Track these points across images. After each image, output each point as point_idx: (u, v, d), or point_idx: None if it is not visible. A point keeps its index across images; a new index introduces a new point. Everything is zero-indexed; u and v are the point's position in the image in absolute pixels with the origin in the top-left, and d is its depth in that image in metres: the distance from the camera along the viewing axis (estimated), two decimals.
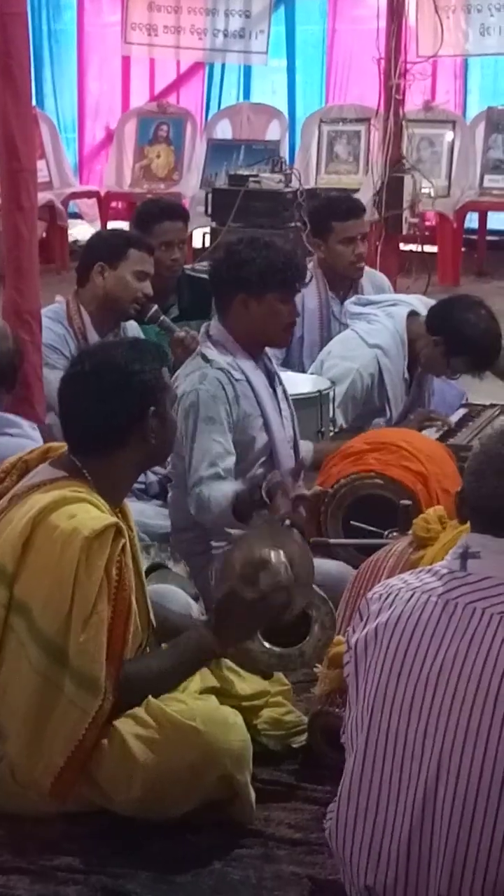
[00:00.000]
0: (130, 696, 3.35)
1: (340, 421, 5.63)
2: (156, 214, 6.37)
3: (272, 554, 3.52)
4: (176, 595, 4.17)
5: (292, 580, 3.51)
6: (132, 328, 5.54)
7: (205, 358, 4.71)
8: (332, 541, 4.61)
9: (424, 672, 2.82)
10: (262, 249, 4.75)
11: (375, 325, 5.85)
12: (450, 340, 5.66)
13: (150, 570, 4.22)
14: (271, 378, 4.85)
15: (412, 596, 2.88)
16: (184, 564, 4.57)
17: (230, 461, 4.59)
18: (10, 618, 3.33)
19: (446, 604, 2.84)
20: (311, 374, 5.80)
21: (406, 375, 5.83)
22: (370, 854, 2.84)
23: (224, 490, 4.45)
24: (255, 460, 4.72)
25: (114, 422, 3.46)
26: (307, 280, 6.41)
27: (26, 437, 4.28)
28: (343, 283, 6.51)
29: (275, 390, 4.84)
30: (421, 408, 5.92)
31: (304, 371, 6.01)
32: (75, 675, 3.26)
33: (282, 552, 3.53)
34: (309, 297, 6.35)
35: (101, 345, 3.68)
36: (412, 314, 5.86)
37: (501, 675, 2.74)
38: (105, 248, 5.46)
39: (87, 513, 3.35)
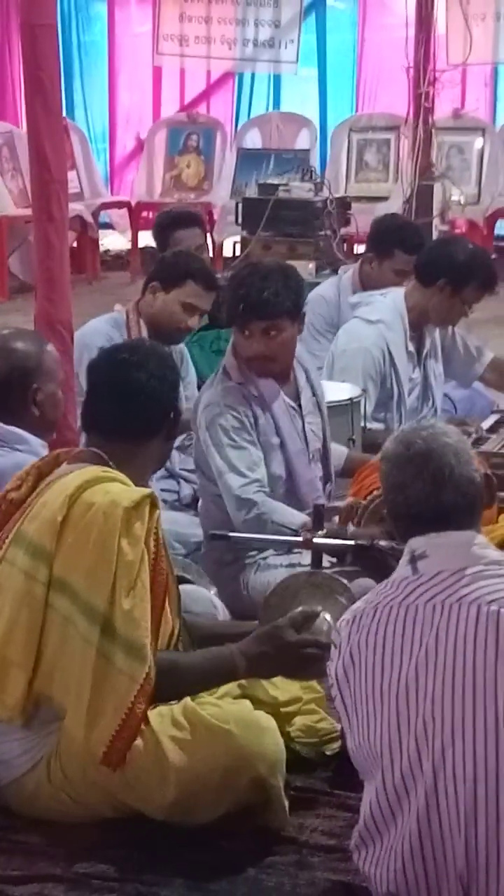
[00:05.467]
0: (158, 681, 3.34)
1: (369, 410, 5.66)
2: (168, 225, 6.41)
3: (323, 614, 3.55)
4: (200, 593, 4.20)
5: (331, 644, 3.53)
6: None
7: (225, 373, 4.77)
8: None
9: (403, 679, 2.87)
10: (235, 285, 4.74)
11: (374, 305, 5.92)
12: (451, 276, 5.72)
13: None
14: (295, 391, 4.89)
15: (375, 612, 2.95)
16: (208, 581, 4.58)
17: (263, 470, 4.67)
18: (50, 596, 3.35)
19: (408, 609, 2.90)
20: (322, 368, 5.82)
21: (410, 348, 5.86)
22: (388, 868, 2.88)
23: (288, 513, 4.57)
24: (274, 472, 4.77)
25: (158, 408, 3.57)
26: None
27: (35, 454, 4.28)
28: None
29: (300, 404, 4.87)
30: (429, 390, 5.97)
31: None
32: (123, 643, 3.27)
33: (329, 616, 3.54)
34: (345, 305, 6.41)
35: (149, 343, 3.77)
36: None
37: (473, 654, 2.79)
38: (166, 270, 5.45)
39: (121, 487, 3.40)
